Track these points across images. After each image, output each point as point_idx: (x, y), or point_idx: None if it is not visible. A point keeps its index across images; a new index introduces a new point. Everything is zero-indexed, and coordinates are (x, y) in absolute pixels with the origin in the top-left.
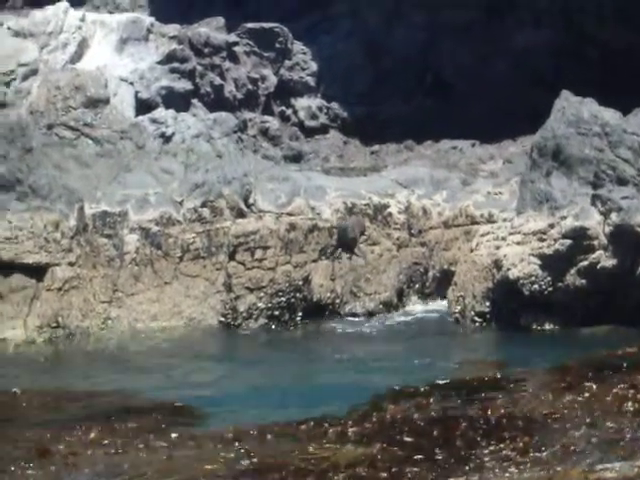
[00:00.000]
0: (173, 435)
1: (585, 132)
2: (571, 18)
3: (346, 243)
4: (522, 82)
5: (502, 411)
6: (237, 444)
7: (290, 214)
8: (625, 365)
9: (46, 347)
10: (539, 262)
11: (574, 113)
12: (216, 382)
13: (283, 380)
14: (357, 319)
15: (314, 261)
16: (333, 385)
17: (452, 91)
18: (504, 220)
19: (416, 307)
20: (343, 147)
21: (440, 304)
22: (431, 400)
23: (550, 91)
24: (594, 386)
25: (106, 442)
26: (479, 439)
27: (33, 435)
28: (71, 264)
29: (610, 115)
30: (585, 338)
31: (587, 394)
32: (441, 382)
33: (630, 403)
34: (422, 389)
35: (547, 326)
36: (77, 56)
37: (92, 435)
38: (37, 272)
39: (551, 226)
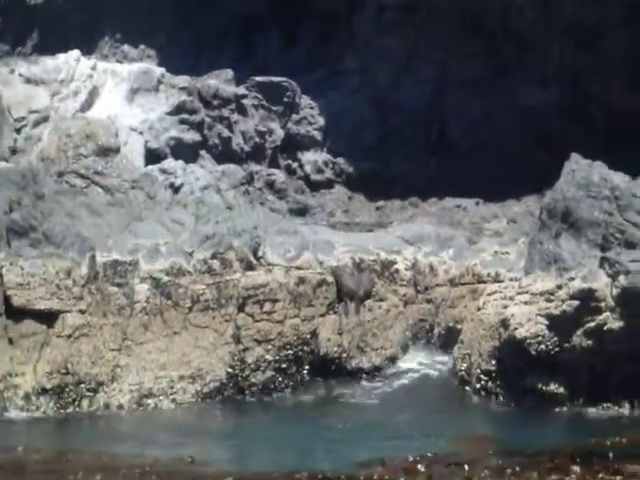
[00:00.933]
0: None
1: (595, 195)
2: (578, 78)
3: (357, 297)
4: (527, 140)
5: None
6: None
7: (299, 268)
8: (611, 455)
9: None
10: (546, 322)
11: (584, 176)
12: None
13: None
14: (363, 380)
15: (322, 315)
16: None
17: (457, 148)
18: (511, 280)
19: (421, 359)
20: (348, 202)
21: (445, 359)
22: (419, 467)
23: (555, 150)
24: (579, 470)
25: None
26: None
27: None
28: (82, 311)
29: (619, 179)
30: (588, 421)
31: (573, 476)
32: (431, 454)
33: None
34: (412, 458)
35: (552, 386)
36: (87, 104)
37: None
38: (48, 318)
39: (559, 287)
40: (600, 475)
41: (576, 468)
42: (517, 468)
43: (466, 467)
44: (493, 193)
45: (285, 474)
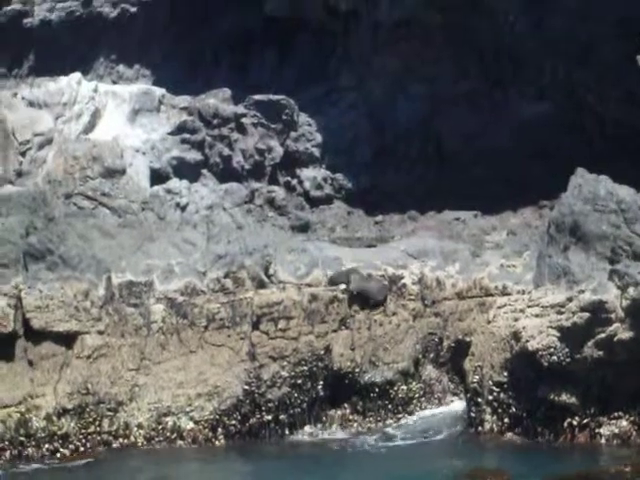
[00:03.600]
0: None
1: (602, 209)
2: (572, 92)
3: (376, 303)
4: (523, 153)
5: None
6: None
7: (309, 285)
8: None
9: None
10: (557, 334)
11: (591, 190)
12: None
13: None
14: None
15: (334, 331)
16: None
17: (453, 162)
18: (519, 292)
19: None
20: (347, 217)
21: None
22: None
23: (550, 162)
24: None
25: None
26: None
27: None
28: (100, 332)
29: (625, 192)
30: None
31: None
32: None
33: None
34: None
35: (564, 397)
36: (90, 126)
37: None
38: (67, 340)
39: (569, 299)
40: None
41: None
42: None
43: None
44: (490, 205)
45: None
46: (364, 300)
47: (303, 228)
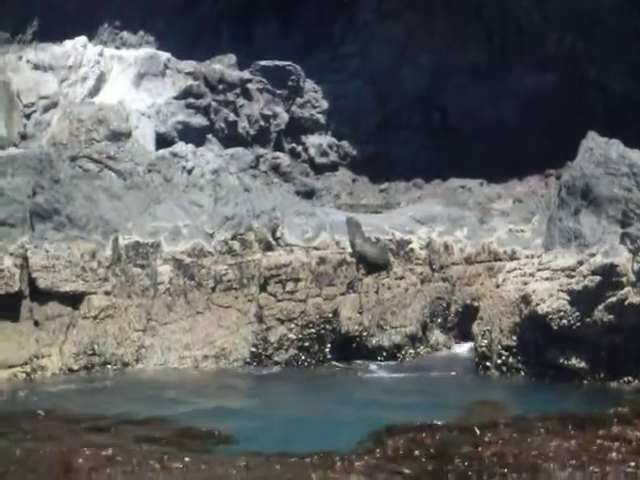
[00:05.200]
0: (187, 459)
1: (613, 172)
2: (575, 63)
3: (379, 266)
4: (526, 123)
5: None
6: (247, 471)
7: (316, 248)
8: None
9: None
10: (568, 298)
11: (602, 153)
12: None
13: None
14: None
15: (342, 294)
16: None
17: (457, 131)
18: (527, 257)
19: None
20: (352, 184)
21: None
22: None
23: (554, 132)
24: (580, 434)
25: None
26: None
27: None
28: (107, 293)
29: (637, 156)
30: (606, 392)
31: (573, 441)
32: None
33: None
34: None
35: (573, 361)
36: (95, 90)
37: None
38: (73, 300)
39: (580, 263)
40: (599, 441)
41: (577, 433)
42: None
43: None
44: (495, 174)
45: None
46: (369, 264)
47: (308, 194)
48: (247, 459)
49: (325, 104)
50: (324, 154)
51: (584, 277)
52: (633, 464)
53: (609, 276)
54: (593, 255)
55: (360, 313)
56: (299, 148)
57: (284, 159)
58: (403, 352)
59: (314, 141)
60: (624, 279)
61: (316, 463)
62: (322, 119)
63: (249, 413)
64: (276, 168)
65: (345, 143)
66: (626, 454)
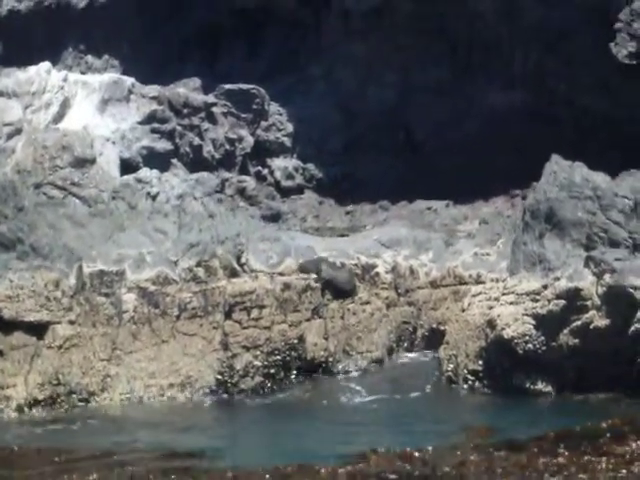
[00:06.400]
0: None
1: (577, 195)
2: (543, 80)
3: (344, 292)
4: (494, 142)
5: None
6: None
7: (281, 274)
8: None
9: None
10: (533, 322)
11: (566, 177)
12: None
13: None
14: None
15: (307, 320)
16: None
17: (424, 151)
18: (492, 280)
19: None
20: (319, 207)
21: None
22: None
23: (521, 151)
24: (566, 453)
25: None
26: None
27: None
28: (71, 322)
29: (601, 179)
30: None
31: (560, 459)
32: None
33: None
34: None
35: (539, 385)
36: (60, 116)
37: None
38: (38, 330)
39: (545, 287)
40: (586, 457)
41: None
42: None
43: (458, 452)
44: (462, 194)
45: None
46: (336, 289)
47: (274, 218)
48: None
49: (290, 127)
50: (290, 177)
51: (549, 301)
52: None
53: (574, 300)
54: (558, 279)
55: (326, 339)
56: (265, 171)
57: (250, 182)
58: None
59: (279, 164)
60: (589, 303)
61: (302, 471)
62: (287, 142)
63: None
64: (242, 192)
65: (311, 165)
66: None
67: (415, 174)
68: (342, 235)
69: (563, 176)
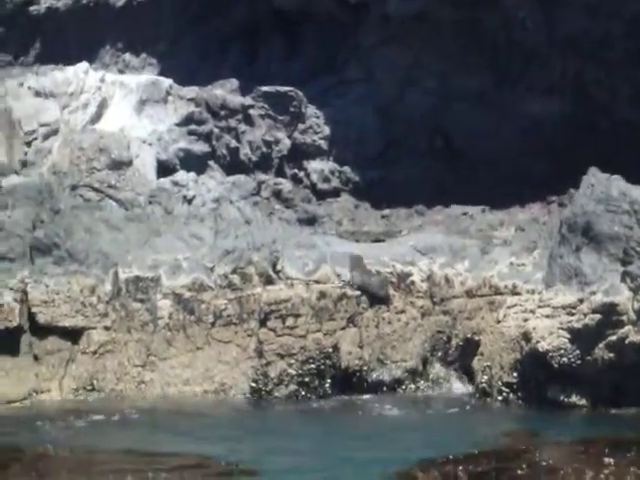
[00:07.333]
0: None
1: (614, 210)
2: (582, 88)
3: (379, 298)
4: (531, 149)
5: None
6: None
7: (317, 281)
8: None
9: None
10: (568, 336)
11: (603, 190)
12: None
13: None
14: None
15: (342, 328)
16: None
17: (461, 156)
18: (528, 292)
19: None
20: (354, 211)
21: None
22: (460, 468)
23: (559, 159)
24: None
25: None
26: None
27: None
28: (106, 328)
29: (638, 193)
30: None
31: (606, 471)
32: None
33: None
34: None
35: (574, 398)
36: (97, 116)
37: None
38: (73, 335)
39: (581, 301)
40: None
41: (609, 460)
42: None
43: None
44: (497, 200)
45: None
46: (372, 297)
47: (310, 221)
48: None
49: (327, 129)
50: (326, 180)
51: (584, 315)
52: None
53: (609, 314)
54: (594, 293)
55: (360, 347)
56: (301, 174)
57: (286, 185)
58: (403, 387)
59: (316, 167)
60: (624, 318)
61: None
62: (324, 145)
63: None
64: (278, 194)
65: (347, 169)
66: None
67: (451, 179)
68: (377, 240)
69: (600, 190)
